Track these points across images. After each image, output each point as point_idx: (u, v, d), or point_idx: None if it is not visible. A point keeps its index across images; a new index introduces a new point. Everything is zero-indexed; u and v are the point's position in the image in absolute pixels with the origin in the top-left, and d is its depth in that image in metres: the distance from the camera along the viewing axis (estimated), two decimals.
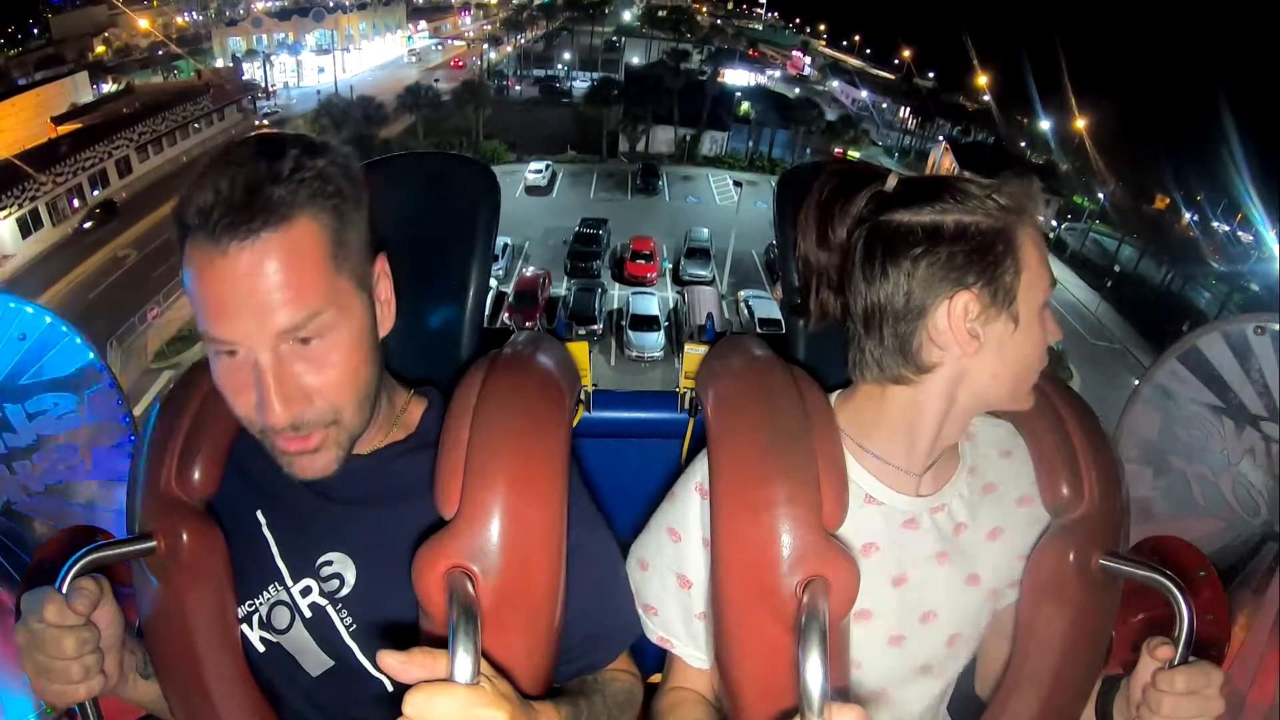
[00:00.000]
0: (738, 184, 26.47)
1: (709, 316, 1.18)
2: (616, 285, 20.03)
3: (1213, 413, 1.32)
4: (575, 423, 0.92)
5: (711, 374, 0.86)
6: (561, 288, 19.32)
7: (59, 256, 20.36)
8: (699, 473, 0.84)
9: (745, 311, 18.43)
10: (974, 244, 0.71)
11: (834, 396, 0.85)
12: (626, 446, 1.19)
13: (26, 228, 20.44)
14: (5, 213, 19.82)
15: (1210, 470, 1.32)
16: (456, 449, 0.71)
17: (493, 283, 18.70)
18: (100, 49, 32.58)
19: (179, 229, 0.65)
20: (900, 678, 0.84)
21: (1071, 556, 0.80)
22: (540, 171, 27.94)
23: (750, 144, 32.04)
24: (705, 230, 22.82)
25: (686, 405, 1.17)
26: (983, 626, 0.87)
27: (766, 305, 18.29)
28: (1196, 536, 1.25)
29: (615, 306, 18.87)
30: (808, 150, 32.59)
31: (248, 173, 0.63)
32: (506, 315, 17.70)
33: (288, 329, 0.65)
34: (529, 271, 19.52)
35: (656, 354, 17.22)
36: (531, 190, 27.38)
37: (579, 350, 1.10)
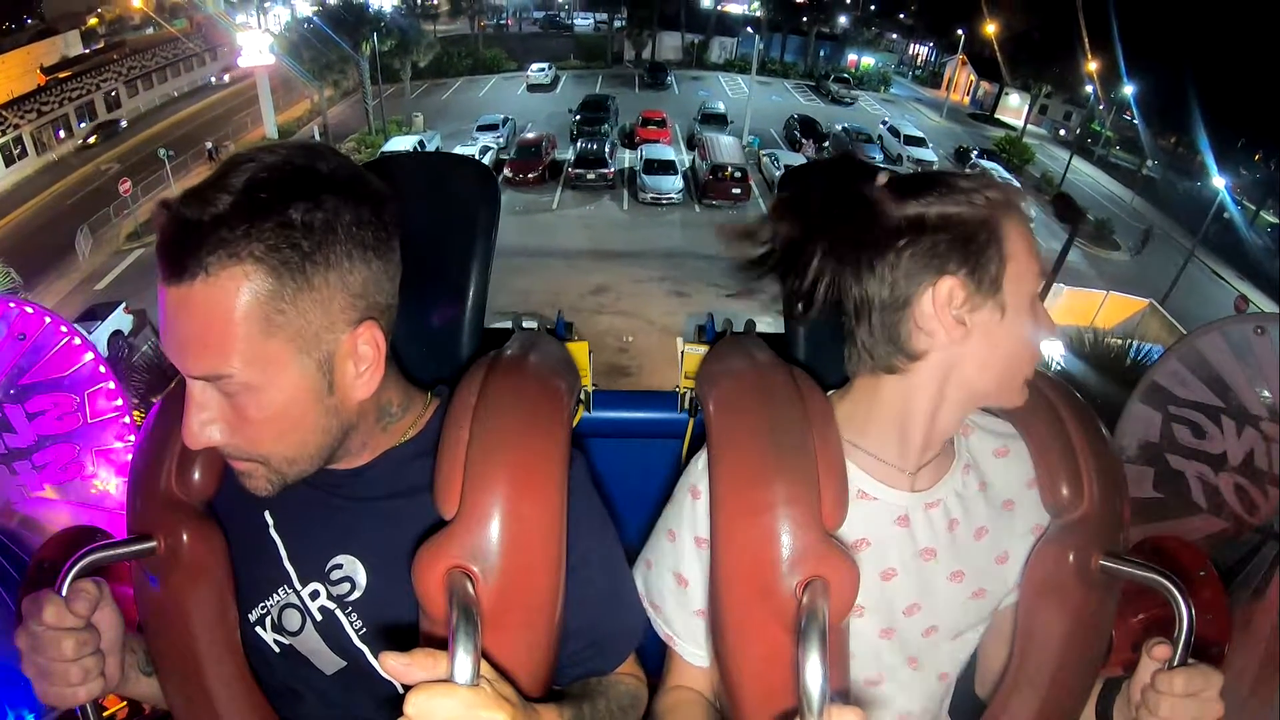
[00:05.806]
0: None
1: (709, 316, 1.18)
2: (627, 152, 19.49)
3: (1213, 413, 1.32)
4: (575, 423, 0.92)
5: (711, 375, 0.86)
6: (567, 153, 18.68)
7: (42, 178, 20.68)
8: (692, 474, 0.85)
9: (771, 166, 18.05)
10: (957, 233, 0.71)
11: (831, 395, 0.85)
12: (626, 446, 1.19)
13: (10, 158, 20.92)
14: None
15: (1210, 470, 1.31)
16: (456, 449, 0.71)
17: (490, 151, 17.98)
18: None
19: None
20: (892, 670, 0.84)
21: (1071, 557, 0.80)
22: (544, 70, 27.66)
23: (761, 47, 31.11)
24: (720, 102, 22.26)
25: (686, 405, 1.17)
26: (968, 625, 0.87)
27: (788, 156, 18.01)
28: (1196, 537, 1.25)
29: (627, 165, 18.29)
30: (822, 53, 32.40)
31: (202, 206, 0.60)
32: (508, 171, 16.99)
33: (197, 376, 0.65)
34: (532, 134, 19.14)
35: (674, 196, 16.12)
36: (534, 88, 27.13)
37: (579, 350, 1.10)
